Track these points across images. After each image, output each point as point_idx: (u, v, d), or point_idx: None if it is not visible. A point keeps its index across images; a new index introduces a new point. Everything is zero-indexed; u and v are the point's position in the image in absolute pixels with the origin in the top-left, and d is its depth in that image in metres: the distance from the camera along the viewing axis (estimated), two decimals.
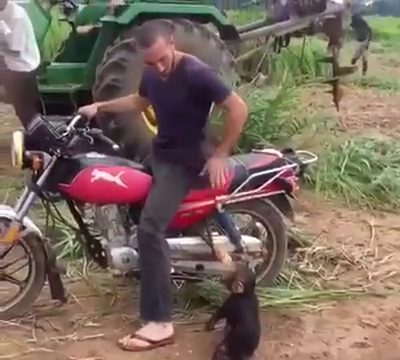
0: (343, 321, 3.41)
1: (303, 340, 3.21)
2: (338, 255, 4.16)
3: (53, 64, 6.68)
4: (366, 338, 3.25)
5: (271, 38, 7.82)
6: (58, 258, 3.84)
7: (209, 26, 6.40)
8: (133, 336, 3.11)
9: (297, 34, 8.31)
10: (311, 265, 4.01)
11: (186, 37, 5.80)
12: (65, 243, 4.01)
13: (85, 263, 3.82)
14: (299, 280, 3.79)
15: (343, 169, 5.69)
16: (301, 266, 3.98)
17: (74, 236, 3.75)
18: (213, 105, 3.27)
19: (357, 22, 13.04)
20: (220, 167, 3.16)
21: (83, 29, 6.78)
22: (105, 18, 6.23)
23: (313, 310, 3.49)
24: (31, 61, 5.58)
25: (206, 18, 6.33)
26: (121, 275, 3.42)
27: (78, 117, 3.30)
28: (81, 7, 7.03)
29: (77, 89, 6.20)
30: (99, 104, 3.50)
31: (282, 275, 3.76)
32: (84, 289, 3.63)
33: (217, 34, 6.46)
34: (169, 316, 3.18)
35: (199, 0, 6.54)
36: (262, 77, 7.47)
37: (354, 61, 13.73)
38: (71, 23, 7.15)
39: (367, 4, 37.35)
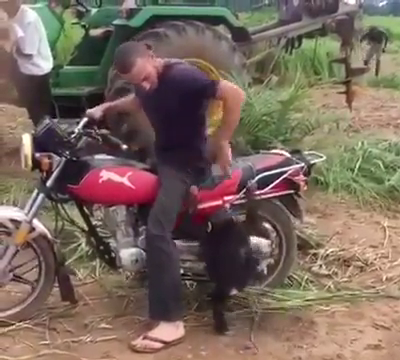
0: (356, 323, 3.39)
1: (316, 342, 3.19)
2: (351, 257, 4.14)
3: (66, 67, 6.72)
4: (380, 340, 3.23)
5: (283, 39, 7.82)
6: (71, 260, 3.88)
7: (221, 28, 6.41)
8: (145, 337, 3.11)
9: (309, 35, 8.29)
10: (324, 267, 3.99)
11: (198, 39, 5.82)
12: (78, 245, 4.03)
13: (98, 265, 3.83)
14: (312, 282, 3.78)
15: (356, 170, 5.66)
16: (314, 268, 3.97)
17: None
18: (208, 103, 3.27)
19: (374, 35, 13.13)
20: (227, 152, 3.15)
21: (96, 32, 6.84)
22: (117, 21, 6.27)
23: (326, 312, 3.47)
24: (44, 64, 5.60)
25: (218, 20, 6.35)
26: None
27: (86, 119, 3.35)
28: (93, 10, 7.06)
29: (90, 92, 6.23)
30: (104, 106, 3.53)
31: (295, 277, 3.75)
32: (97, 291, 3.64)
33: (229, 36, 6.47)
34: (181, 316, 3.19)
35: (211, 2, 6.56)
36: (274, 78, 7.46)
37: (366, 62, 13.66)
38: (84, 26, 7.20)
39: (381, 5, 37.16)
